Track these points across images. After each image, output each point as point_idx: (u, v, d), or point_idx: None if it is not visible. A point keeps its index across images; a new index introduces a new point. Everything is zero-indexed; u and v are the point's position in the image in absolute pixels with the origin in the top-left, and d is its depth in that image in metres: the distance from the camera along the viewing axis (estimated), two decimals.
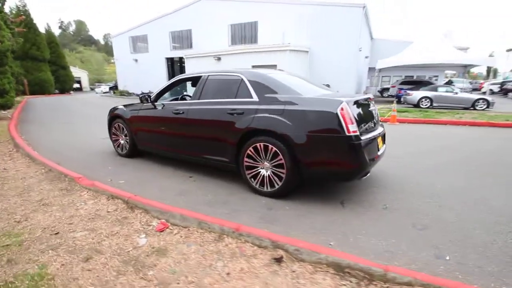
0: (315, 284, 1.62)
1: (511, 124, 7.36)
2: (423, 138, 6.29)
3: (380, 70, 17.24)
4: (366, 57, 21.49)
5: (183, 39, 21.93)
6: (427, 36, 18.24)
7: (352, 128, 2.50)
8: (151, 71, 23.47)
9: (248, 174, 3.07)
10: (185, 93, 4.74)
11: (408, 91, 14.75)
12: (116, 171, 3.90)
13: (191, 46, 21.48)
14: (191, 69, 17.94)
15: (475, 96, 12.74)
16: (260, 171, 3.00)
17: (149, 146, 4.22)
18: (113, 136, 4.76)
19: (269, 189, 2.94)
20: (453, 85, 19.80)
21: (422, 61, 15.73)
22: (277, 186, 2.88)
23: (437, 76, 25.06)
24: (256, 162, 3.00)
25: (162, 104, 3.99)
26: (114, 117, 4.68)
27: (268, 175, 2.94)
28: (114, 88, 29.59)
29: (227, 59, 16.31)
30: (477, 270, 1.79)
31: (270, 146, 2.82)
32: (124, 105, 4.59)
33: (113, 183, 3.33)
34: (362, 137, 2.59)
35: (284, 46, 14.35)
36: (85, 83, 42.39)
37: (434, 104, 13.04)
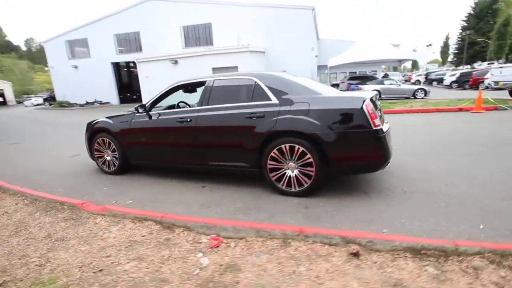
0: (401, 269, 1.72)
1: (453, 109, 8.64)
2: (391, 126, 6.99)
3: (330, 67, 18.52)
4: (316, 56, 22.88)
5: (130, 42, 20.46)
6: (368, 35, 20.15)
7: (377, 122, 2.69)
8: (96, 78, 21.38)
9: (273, 176, 3.06)
10: (179, 100, 4.46)
11: (359, 86, 16.15)
12: (114, 191, 3.50)
13: (140, 49, 20.17)
14: (144, 74, 16.87)
15: (415, 86, 14.59)
16: (285, 172, 3.01)
17: (146, 160, 3.88)
18: (96, 153, 4.25)
19: (297, 189, 2.98)
20: (391, 78, 22.35)
21: (367, 58, 17.31)
22: (305, 185, 2.93)
23: (375, 71, 27.89)
24: (280, 164, 3.00)
25: (158, 113, 3.71)
26: (95, 131, 4.18)
27: (295, 175, 2.97)
28: (50, 99, 26.18)
29: (185, 62, 15.75)
30: (508, 233, 2.10)
31: (297, 146, 2.86)
32: (108, 117, 4.13)
33: (122, 204, 3.00)
34: (384, 130, 2.80)
35: (244, 48, 14.46)
36: (9, 96, 36.54)
37: (382, 96, 14.53)
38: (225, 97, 3.34)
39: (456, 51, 57.55)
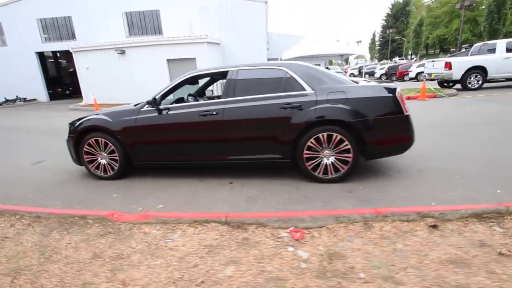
0: (476, 232, 1.99)
1: (415, 96, 9.87)
2: None
3: (282, 60, 19.17)
4: (267, 49, 23.33)
5: (60, 28, 17.59)
6: (315, 31, 21.42)
7: (407, 108, 2.97)
8: (15, 71, 17.82)
9: (309, 165, 3.12)
10: (188, 93, 4.07)
11: None
12: (127, 197, 3.09)
13: (73, 37, 17.53)
14: (83, 66, 14.78)
15: (359, 79, 16.18)
16: (321, 160, 3.10)
17: (157, 160, 3.50)
18: (87, 156, 3.64)
19: (333, 175, 3.10)
20: (336, 71, 24.37)
21: (315, 52, 18.47)
22: (342, 171, 3.07)
23: (319, 64, 29.90)
24: (316, 153, 3.08)
25: (168, 107, 3.37)
26: (85, 131, 3.57)
27: (331, 162, 3.08)
28: None
29: (133, 52, 14.30)
30: None
31: (335, 134, 2.96)
32: (106, 113, 3.56)
33: (154, 210, 2.68)
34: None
35: (202, 38, 13.84)
36: None
37: None
38: (253, 88, 3.22)
39: (378, 47, 65.58)
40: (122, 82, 14.39)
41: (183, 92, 4.03)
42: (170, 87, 3.43)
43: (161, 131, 3.37)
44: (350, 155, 3.01)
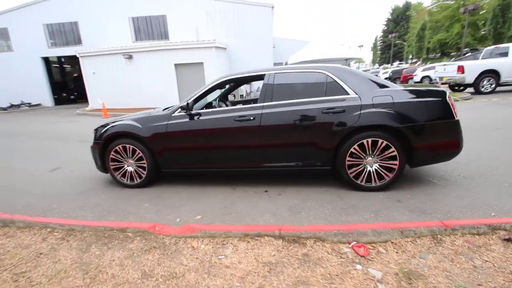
0: None
1: None
2: None
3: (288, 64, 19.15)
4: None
5: (66, 33, 17.56)
6: (318, 33, 21.50)
7: (457, 113, 2.83)
8: (21, 76, 17.76)
9: (351, 173, 2.96)
10: (212, 99, 3.93)
11: None
12: (160, 207, 2.93)
13: (79, 42, 17.49)
14: (89, 71, 14.71)
15: None
16: (364, 168, 2.95)
17: (187, 167, 3.35)
18: (113, 163, 3.49)
19: (377, 183, 2.94)
20: None
21: (320, 56, 18.47)
22: (387, 179, 2.92)
23: None
24: (358, 160, 2.93)
25: (198, 113, 3.22)
26: (112, 137, 3.43)
27: (375, 169, 2.93)
28: None
29: (141, 57, 14.23)
30: None
31: (381, 140, 2.82)
32: (134, 119, 3.42)
33: (192, 222, 2.52)
34: None
35: (210, 43, 13.78)
36: None
37: None
38: (291, 92, 3.08)
39: (379, 52, 65.84)
40: (129, 87, 14.31)
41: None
42: (203, 91, 3.30)
43: (193, 137, 3.22)
44: (396, 162, 2.85)
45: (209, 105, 3.83)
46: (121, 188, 3.53)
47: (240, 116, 3.05)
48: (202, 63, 13.93)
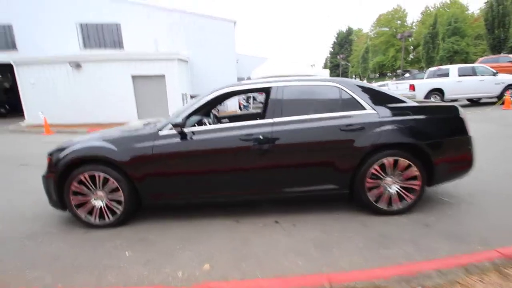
0: None
1: None
2: None
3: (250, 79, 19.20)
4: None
5: None
6: (281, 52, 22.29)
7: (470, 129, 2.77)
8: None
9: (371, 196, 2.68)
10: (205, 118, 3.34)
11: None
12: (151, 253, 2.26)
13: (14, 47, 15.14)
14: (27, 81, 12.66)
15: None
16: (384, 190, 2.70)
17: (178, 197, 2.72)
18: (75, 198, 2.68)
19: (399, 206, 2.71)
20: None
21: (286, 72, 18.94)
22: (409, 201, 2.70)
23: None
24: (378, 181, 2.67)
25: (192, 132, 2.67)
26: (74, 164, 2.64)
27: (396, 191, 2.70)
28: None
29: (91, 67, 12.75)
30: None
31: (402, 159, 2.61)
32: (106, 139, 2.68)
33: (198, 275, 1.93)
34: None
35: (172, 55, 13.02)
36: None
37: None
38: (302, 107, 2.73)
39: (329, 70, 71.22)
40: (77, 99, 12.64)
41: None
42: (199, 105, 2.74)
43: (188, 160, 2.62)
44: (418, 182, 2.66)
45: (199, 122, 3.27)
46: (87, 229, 2.72)
47: (246, 135, 2.58)
48: (163, 75, 13.04)
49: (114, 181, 2.62)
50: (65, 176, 2.64)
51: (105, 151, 2.60)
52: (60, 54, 12.73)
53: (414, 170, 2.62)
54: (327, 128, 2.59)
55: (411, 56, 48.86)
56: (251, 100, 21.08)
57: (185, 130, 2.64)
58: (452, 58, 30.12)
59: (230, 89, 2.80)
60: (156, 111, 12.92)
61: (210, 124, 3.24)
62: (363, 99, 2.69)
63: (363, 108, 2.67)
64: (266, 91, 2.83)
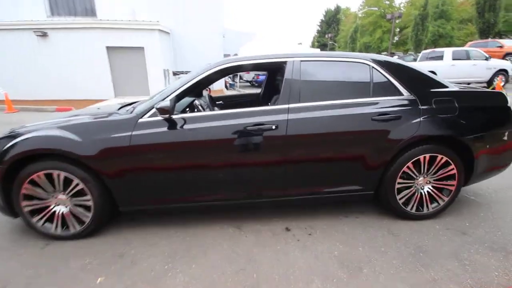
0: None
1: None
2: None
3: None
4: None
5: None
6: (267, 29, 21.21)
7: None
8: None
9: (400, 198, 2.25)
10: (196, 100, 2.70)
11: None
12: (132, 277, 1.72)
13: None
14: None
15: None
16: (415, 191, 2.27)
17: (166, 201, 2.15)
18: (28, 202, 2.05)
19: (430, 210, 2.31)
20: None
21: (271, 51, 18.03)
22: (442, 203, 2.30)
23: None
24: (409, 181, 2.24)
25: (183, 119, 2.06)
26: (24, 159, 1.98)
27: (427, 192, 2.29)
28: None
29: (60, 36, 11.31)
30: None
31: (440, 156, 2.16)
32: (65, 127, 2.02)
33: None
34: None
35: (153, 24, 11.76)
36: None
37: None
38: (324, 89, 2.17)
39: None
40: (44, 73, 11.29)
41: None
42: (191, 83, 2.10)
43: (178, 155, 2.04)
44: (454, 182, 2.25)
45: (190, 106, 2.62)
46: (47, 241, 2.12)
47: (255, 124, 2.00)
48: (142, 47, 11.86)
49: (80, 182, 2.00)
50: (14, 175, 1.99)
51: (65, 143, 1.95)
52: (22, 21, 11.12)
53: (452, 168, 2.20)
54: (355, 117, 2.08)
55: (396, 38, 48.57)
56: (237, 79, 20.11)
57: (174, 116, 2.03)
58: (436, 41, 30.06)
59: (232, 64, 2.16)
60: (135, 89, 11.88)
61: (204, 107, 2.64)
62: (399, 82, 2.16)
63: (400, 93, 2.16)
64: (278, 67, 2.23)
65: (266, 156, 2.06)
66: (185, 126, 2.02)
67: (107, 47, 11.62)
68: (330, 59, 2.20)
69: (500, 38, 18.98)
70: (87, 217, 2.09)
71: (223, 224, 2.31)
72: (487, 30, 18.86)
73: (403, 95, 2.15)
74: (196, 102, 2.69)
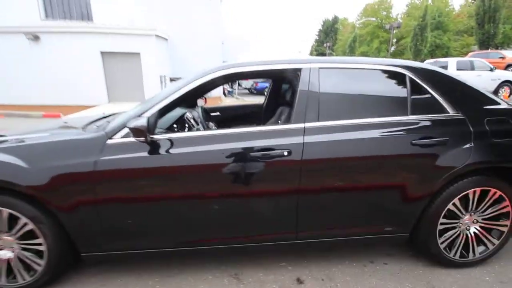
0: None
1: None
2: None
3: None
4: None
5: None
6: (266, 36, 21.15)
7: None
8: None
9: (442, 242, 1.79)
10: (187, 112, 2.22)
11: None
12: None
13: None
14: None
15: None
16: (459, 233, 1.81)
17: (138, 246, 1.66)
18: None
19: (476, 255, 1.84)
20: None
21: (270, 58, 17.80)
22: (491, 247, 1.84)
23: None
24: (454, 221, 1.78)
25: (169, 140, 1.58)
26: None
27: (473, 233, 1.82)
28: None
29: (52, 40, 10.89)
30: None
31: (494, 190, 1.71)
32: (9, 149, 1.54)
33: None
34: None
35: (150, 30, 11.40)
36: None
37: None
38: (349, 105, 1.72)
39: None
40: (36, 77, 10.82)
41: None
42: (177, 94, 1.61)
43: (160, 186, 1.56)
44: (508, 222, 1.79)
45: (178, 122, 2.15)
46: None
47: (262, 149, 1.54)
48: (138, 53, 11.46)
49: (28, 221, 1.52)
50: None
51: (6, 171, 1.46)
52: (13, 25, 10.69)
53: (506, 205, 1.75)
54: (390, 141, 1.63)
55: (392, 48, 48.93)
56: (235, 86, 19.75)
57: (157, 137, 1.55)
58: (433, 52, 30.16)
59: (233, 70, 1.69)
60: (130, 95, 11.42)
61: (197, 121, 2.17)
62: (443, 96, 1.72)
63: (443, 110, 1.71)
64: (290, 75, 1.78)
65: (274, 187, 1.59)
66: (172, 150, 1.55)
67: (102, 52, 11.21)
68: (355, 66, 1.75)
69: (497, 49, 18.98)
70: (39, 265, 1.60)
71: (216, 272, 1.82)
72: (487, 41, 18.78)
73: (448, 113, 1.70)
74: (188, 115, 2.22)
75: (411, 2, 46.56)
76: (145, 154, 1.52)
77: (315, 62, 1.71)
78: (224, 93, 16.79)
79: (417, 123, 1.66)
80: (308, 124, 1.60)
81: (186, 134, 1.66)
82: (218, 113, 3.14)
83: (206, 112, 2.84)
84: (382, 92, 1.76)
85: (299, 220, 1.67)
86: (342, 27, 63.01)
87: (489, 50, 16.86)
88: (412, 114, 1.68)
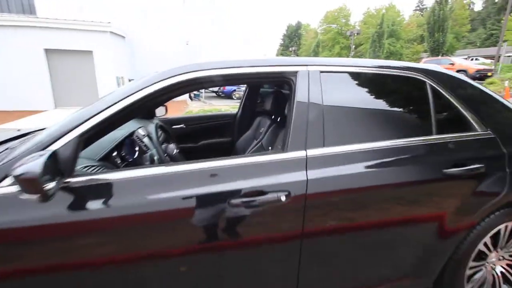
0: None
1: None
2: None
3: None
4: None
5: None
6: (230, 38, 20.99)
7: None
8: None
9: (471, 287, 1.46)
10: (140, 129, 1.62)
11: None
12: None
13: None
14: None
15: None
16: (486, 275, 1.50)
17: None
18: None
19: None
20: None
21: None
22: None
23: None
24: (480, 262, 1.46)
25: (107, 183, 0.99)
26: None
27: (500, 272, 1.52)
28: None
29: None
30: None
31: None
32: None
33: None
34: None
35: (103, 26, 10.21)
36: None
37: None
38: (363, 122, 1.29)
39: None
40: None
41: None
42: (110, 112, 1.00)
43: (88, 247, 0.98)
44: None
45: (123, 147, 1.54)
46: None
47: (247, 194, 1.04)
48: (91, 51, 10.23)
49: None
50: None
51: None
52: None
53: None
54: (418, 170, 1.23)
55: (351, 54, 51.82)
56: (202, 89, 18.97)
57: (75, 180, 0.96)
58: (388, 58, 32.49)
59: (197, 74, 1.13)
60: (81, 98, 10.12)
61: (153, 144, 1.61)
62: (470, 110, 1.37)
63: (472, 128, 1.36)
64: (278, 80, 1.30)
65: (266, 239, 1.11)
66: (92, 205, 0.96)
67: (46, 50, 9.80)
68: (364, 70, 1.34)
69: (443, 56, 20.80)
70: None
71: None
72: (437, 49, 20.39)
73: (477, 131, 1.37)
74: (140, 133, 1.64)
75: (367, 11, 49.60)
76: (42, 215, 0.92)
77: (313, 64, 1.25)
78: (190, 97, 15.94)
79: (446, 144, 1.29)
80: (311, 152, 1.14)
81: (125, 172, 1.06)
82: (182, 125, 2.58)
83: (164, 129, 2.24)
84: (400, 104, 1.37)
85: (301, 277, 1.20)
86: (305, 32, 65.11)
87: (440, 57, 18.27)
88: (438, 133, 1.32)
